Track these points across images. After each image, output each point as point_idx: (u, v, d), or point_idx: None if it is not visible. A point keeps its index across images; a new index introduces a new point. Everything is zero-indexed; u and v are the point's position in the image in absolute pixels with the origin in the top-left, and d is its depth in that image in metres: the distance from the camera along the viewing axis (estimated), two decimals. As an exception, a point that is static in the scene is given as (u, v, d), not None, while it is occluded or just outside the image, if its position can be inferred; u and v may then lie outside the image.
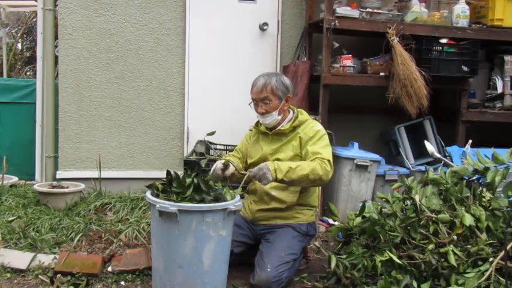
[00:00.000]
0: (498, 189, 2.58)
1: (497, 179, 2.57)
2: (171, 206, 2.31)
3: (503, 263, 2.18)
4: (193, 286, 2.40)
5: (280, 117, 2.87)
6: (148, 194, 2.50)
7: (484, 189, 2.59)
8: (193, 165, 3.09)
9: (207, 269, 2.40)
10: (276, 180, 2.60)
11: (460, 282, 2.21)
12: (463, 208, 2.47)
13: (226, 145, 3.98)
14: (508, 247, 2.20)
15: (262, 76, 2.88)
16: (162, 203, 2.35)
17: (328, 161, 2.70)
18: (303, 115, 2.93)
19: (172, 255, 2.38)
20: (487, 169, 2.64)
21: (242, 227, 2.93)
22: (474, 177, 2.74)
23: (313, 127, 2.85)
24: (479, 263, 2.27)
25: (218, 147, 4.03)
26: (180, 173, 2.65)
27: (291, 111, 2.95)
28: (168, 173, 2.55)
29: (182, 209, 2.32)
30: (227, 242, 2.51)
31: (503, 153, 2.67)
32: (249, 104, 2.91)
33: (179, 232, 2.35)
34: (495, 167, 2.64)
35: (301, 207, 2.89)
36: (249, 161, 2.99)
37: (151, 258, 2.57)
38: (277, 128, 2.89)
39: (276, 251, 2.70)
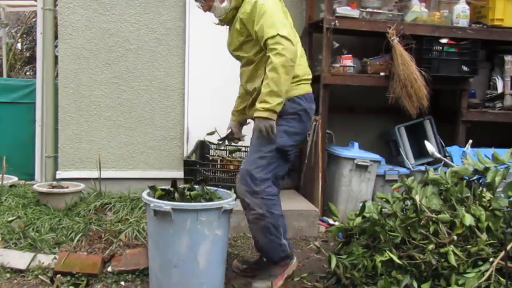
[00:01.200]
0: (498, 190, 2.58)
1: (498, 179, 2.57)
2: (165, 205, 2.34)
3: (504, 263, 2.17)
4: (188, 286, 2.41)
5: (225, 4, 2.61)
6: (144, 194, 2.52)
7: (484, 190, 2.59)
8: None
9: (203, 268, 2.41)
10: (273, 110, 2.44)
11: (460, 282, 2.21)
12: (463, 208, 2.47)
13: (227, 145, 3.98)
14: (508, 247, 2.20)
15: None
16: (157, 202, 2.38)
17: (278, 35, 2.40)
18: None
19: (168, 254, 2.40)
20: (487, 169, 2.64)
21: None
22: (474, 178, 2.73)
23: (250, 0, 2.54)
24: (480, 263, 2.26)
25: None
26: (180, 173, 2.66)
27: None
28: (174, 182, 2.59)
29: (176, 208, 2.35)
30: (223, 242, 2.52)
31: (503, 153, 2.67)
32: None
33: (174, 231, 2.37)
34: (495, 167, 2.63)
35: None
36: None
37: (149, 258, 2.58)
38: (220, 20, 2.72)
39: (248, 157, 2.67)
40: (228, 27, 2.78)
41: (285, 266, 2.64)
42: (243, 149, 3.89)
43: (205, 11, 2.71)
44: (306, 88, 2.67)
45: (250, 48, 2.62)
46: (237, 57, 2.78)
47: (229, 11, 2.63)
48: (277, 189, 2.64)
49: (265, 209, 2.52)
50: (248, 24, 2.56)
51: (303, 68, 2.67)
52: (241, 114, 2.95)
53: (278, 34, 2.41)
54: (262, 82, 2.54)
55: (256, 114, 2.49)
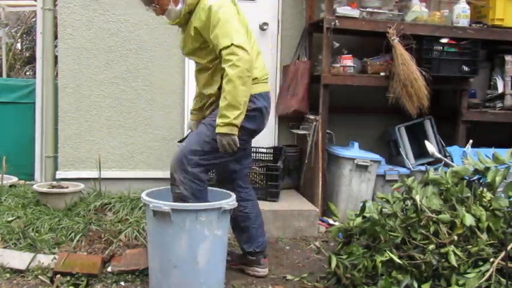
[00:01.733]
0: (499, 190, 2.57)
1: (498, 179, 2.56)
2: (164, 206, 2.34)
3: (504, 263, 2.17)
4: (188, 286, 2.41)
5: (180, 6, 2.58)
6: (143, 194, 2.53)
7: (485, 190, 2.59)
8: None
9: (202, 268, 2.41)
10: (233, 124, 2.43)
11: (460, 282, 2.20)
12: (464, 208, 2.46)
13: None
14: (509, 247, 2.20)
15: None
16: (156, 203, 2.38)
17: (232, 45, 2.37)
18: None
19: (168, 255, 2.40)
20: (487, 169, 2.63)
21: None
22: (475, 178, 2.73)
23: (204, 7, 2.49)
24: (480, 263, 2.26)
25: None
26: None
27: None
28: None
29: (175, 208, 2.35)
30: (223, 242, 2.51)
31: (503, 153, 2.67)
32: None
33: (173, 231, 2.37)
34: (496, 167, 2.63)
35: None
36: None
37: (148, 258, 2.57)
38: (172, 22, 2.67)
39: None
40: (180, 28, 2.75)
41: None
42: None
43: (158, 14, 2.68)
44: (263, 87, 2.67)
45: (205, 55, 2.60)
46: (192, 59, 2.77)
47: (182, 15, 2.60)
48: (207, 177, 2.63)
49: (190, 191, 2.53)
50: (204, 32, 2.52)
51: (260, 70, 2.67)
52: (200, 113, 2.93)
53: (232, 44, 2.39)
54: (218, 88, 2.56)
55: (217, 130, 2.47)
